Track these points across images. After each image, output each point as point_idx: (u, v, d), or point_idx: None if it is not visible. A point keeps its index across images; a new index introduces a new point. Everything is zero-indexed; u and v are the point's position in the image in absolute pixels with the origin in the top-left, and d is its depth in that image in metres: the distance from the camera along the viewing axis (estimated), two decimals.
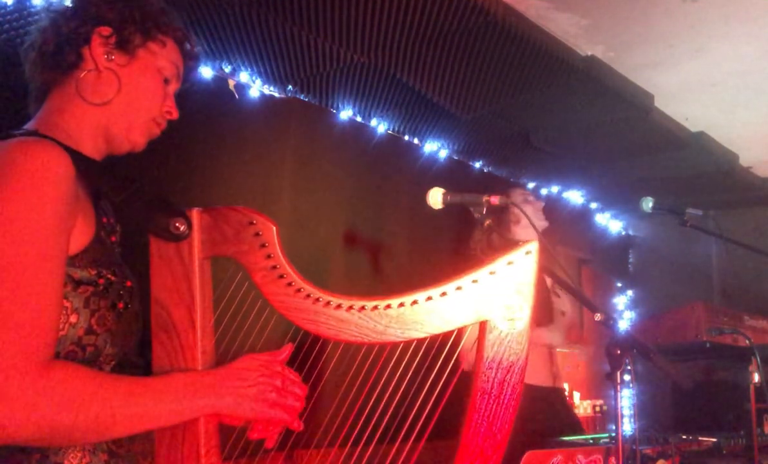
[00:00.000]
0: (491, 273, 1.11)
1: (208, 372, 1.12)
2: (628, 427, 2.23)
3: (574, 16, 2.85)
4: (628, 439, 1.78)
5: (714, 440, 2.62)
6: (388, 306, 1.12)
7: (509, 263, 1.11)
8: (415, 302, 1.11)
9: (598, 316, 1.68)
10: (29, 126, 1.16)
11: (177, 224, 1.12)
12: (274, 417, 1.13)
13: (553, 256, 1.50)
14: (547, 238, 3.04)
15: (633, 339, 1.63)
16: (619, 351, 1.60)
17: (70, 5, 1.23)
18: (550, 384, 3.04)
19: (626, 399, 2.09)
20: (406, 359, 1.14)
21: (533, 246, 1.12)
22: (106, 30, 1.18)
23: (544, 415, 2.82)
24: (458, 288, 1.11)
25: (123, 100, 1.20)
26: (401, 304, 1.11)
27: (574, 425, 3.08)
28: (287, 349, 1.18)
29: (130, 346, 1.16)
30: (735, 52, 3.12)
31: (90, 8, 1.20)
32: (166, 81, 1.25)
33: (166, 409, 1.05)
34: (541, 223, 3.05)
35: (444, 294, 1.11)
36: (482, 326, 1.12)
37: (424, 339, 1.12)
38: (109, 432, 1.01)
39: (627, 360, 1.61)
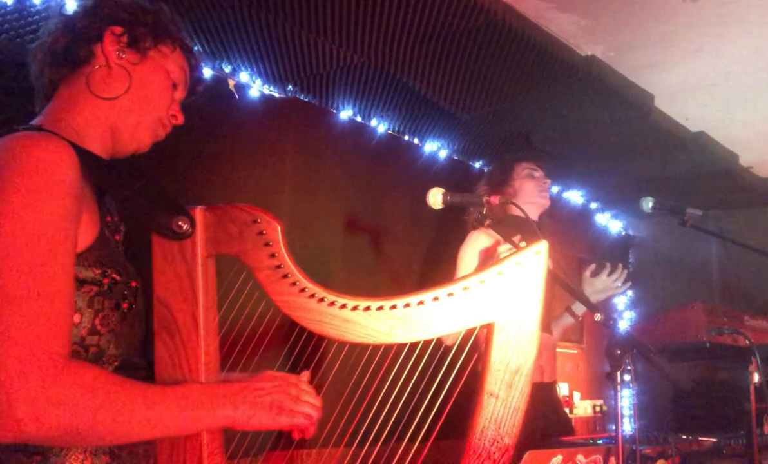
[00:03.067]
0: (499, 273, 1.10)
1: (224, 384, 1.12)
2: (628, 427, 2.23)
3: (574, 16, 2.84)
4: (628, 439, 1.78)
5: (714, 440, 2.61)
6: (394, 307, 1.10)
7: (518, 263, 1.10)
8: (421, 302, 1.10)
9: (598, 316, 1.67)
10: (35, 122, 1.16)
11: (180, 222, 1.12)
12: (288, 426, 1.13)
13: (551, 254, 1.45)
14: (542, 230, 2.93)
15: (633, 339, 1.62)
16: (619, 351, 1.59)
17: (83, 6, 1.24)
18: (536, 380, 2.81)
19: (626, 399, 2.09)
20: (412, 360, 1.13)
21: (543, 246, 1.11)
22: (118, 29, 1.20)
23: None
24: (465, 288, 1.10)
25: (132, 96, 1.20)
26: (407, 305, 1.10)
27: (559, 424, 2.71)
28: (304, 374, 1.19)
29: (134, 347, 1.15)
30: (735, 52, 3.12)
31: (103, 9, 1.22)
32: (174, 86, 1.27)
33: (182, 417, 1.05)
34: (542, 201, 2.79)
35: (451, 294, 1.10)
36: (490, 327, 1.11)
37: (431, 340, 1.11)
38: (124, 437, 1.01)
39: (627, 360, 1.60)
